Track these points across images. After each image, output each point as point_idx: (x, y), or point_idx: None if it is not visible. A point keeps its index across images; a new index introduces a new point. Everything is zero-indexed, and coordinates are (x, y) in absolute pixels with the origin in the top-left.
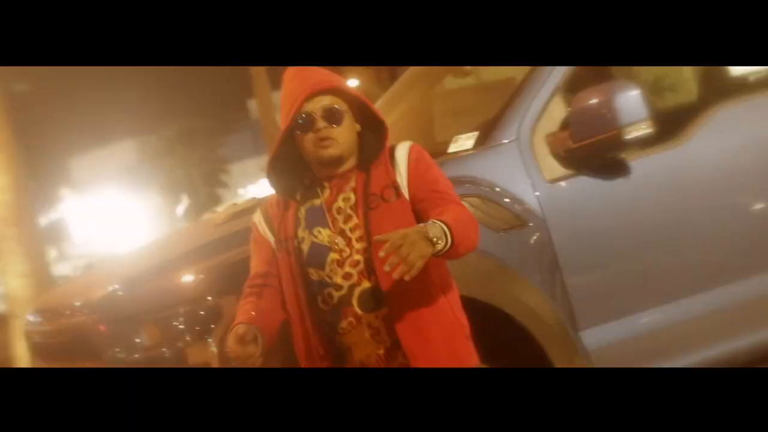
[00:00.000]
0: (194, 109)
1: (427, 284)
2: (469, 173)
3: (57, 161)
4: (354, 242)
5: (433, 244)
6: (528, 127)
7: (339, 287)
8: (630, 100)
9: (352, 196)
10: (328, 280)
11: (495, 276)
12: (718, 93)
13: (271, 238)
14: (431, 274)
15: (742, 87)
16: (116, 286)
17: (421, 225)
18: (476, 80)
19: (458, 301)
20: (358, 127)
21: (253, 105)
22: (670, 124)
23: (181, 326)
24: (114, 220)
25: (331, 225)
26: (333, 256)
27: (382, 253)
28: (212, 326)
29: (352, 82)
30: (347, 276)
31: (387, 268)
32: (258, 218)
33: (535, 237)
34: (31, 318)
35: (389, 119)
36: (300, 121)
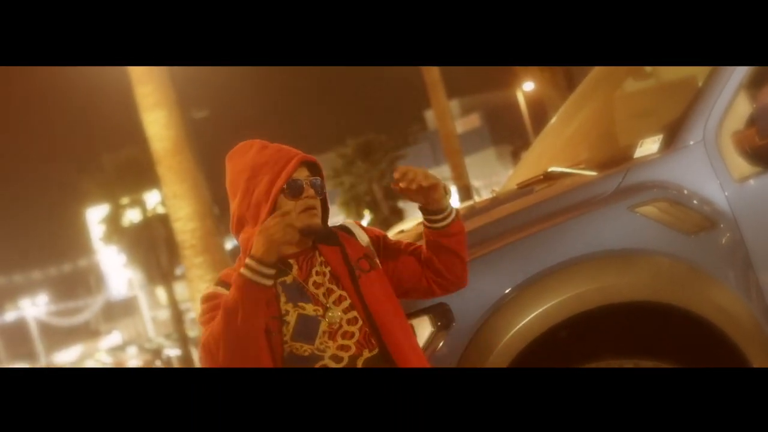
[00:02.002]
0: (372, 124)
1: None
2: (656, 177)
3: None
4: (341, 314)
5: (447, 193)
6: (713, 127)
7: (338, 359)
8: None
9: (326, 270)
10: (318, 353)
11: (688, 280)
12: None
13: None
14: None
15: None
16: None
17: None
18: (657, 81)
19: None
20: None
21: (429, 115)
22: None
23: None
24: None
25: (313, 300)
26: (323, 327)
27: (397, 175)
28: None
29: (528, 85)
30: (344, 348)
31: (397, 175)
32: (221, 291)
33: (726, 237)
34: None
35: (572, 126)
36: (291, 186)
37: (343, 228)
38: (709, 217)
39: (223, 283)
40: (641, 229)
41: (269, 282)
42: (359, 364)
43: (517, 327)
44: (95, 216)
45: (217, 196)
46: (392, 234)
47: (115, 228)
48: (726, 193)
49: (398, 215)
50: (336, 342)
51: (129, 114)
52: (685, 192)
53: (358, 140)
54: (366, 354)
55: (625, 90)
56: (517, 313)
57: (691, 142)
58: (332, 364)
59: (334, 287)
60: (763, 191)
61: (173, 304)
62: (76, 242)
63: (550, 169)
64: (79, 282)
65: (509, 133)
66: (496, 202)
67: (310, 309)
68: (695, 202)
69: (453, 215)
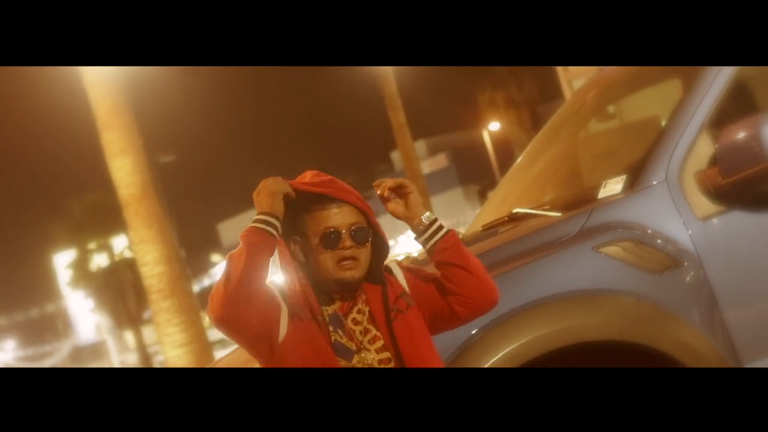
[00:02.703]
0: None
1: None
2: (620, 218)
3: (206, 228)
4: (374, 354)
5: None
6: (676, 167)
7: None
8: None
9: (366, 309)
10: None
11: (653, 319)
12: None
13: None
14: None
15: None
16: None
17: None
18: (620, 122)
19: None
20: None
21: (396, 156)
22: None
23: None
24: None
25: (348, 336)
26: (356, 360)
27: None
28: None
29: (494, 125)
30: None
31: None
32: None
33: (690, 276)
34: None
35: (537, 167)
36: (324, 238)
37: (386, 268)
38: (674, 256)
39: None
40: (606, 269)
41: (276, 233)
42: None
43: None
44: (63, 261)
45: (184, 240)
46: None
47: (82, 273)
48: (690, 232)
49: None
50: None
51: (96, 159)
52: (649, 231)
53: None
54: None
55: (589, 131)
56: (483, 354)
57: (655, 182)
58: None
59: (371, 327)
60: (726, 230)
61: (141, 348)
62: (44, 287)
63: (514, 211)
64: (46, 327)
65: (476, 173)
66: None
67: (346, 341)
68: (659, 241)
69: (441, 231)
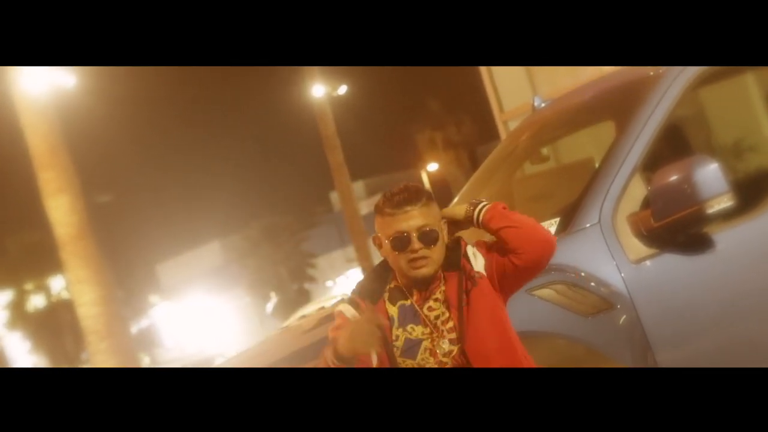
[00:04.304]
0: (276, 207)
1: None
2: (554, 261)
3: (144, 269)
4: (446, 333)
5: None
6: (609, 209)
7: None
8: (709, 174)
9: (442, 296)
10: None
11: (586, 361)
12: None
13: None
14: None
15: None
16: None
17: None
18: (555, 163)
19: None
20: (446, 239)
21: (334, 197)
22: (752, 190)
23: None
24: (204, 322)
25: (423, 323)
26: (425, 345)
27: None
28: None
29: (432, 165)
30: (441, 364)
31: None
32: (346, 308)
33: (623, 318)
34: None
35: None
36: (395, 241)
37: (465, 254)
38: (606, 299)
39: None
40: (539, 311)
41: (342, 364)
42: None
43: None
44: None
45: (122, 281)
46: (294, 319)
47: (19, 313)
48: (622, 275)
49: (305, 296)
50: (437, 359)
51: (32, 199)
52: (582, 274)
53: (263, 222)
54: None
55: (524, 172)
56: None
57: (588, 225)
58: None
59: (446, 312)
60: (658, 272)
61: None
62: None
63: None
64: None
65: None
66: None
67: (418, 332)
68: (592, 284)
69: (484, 207)
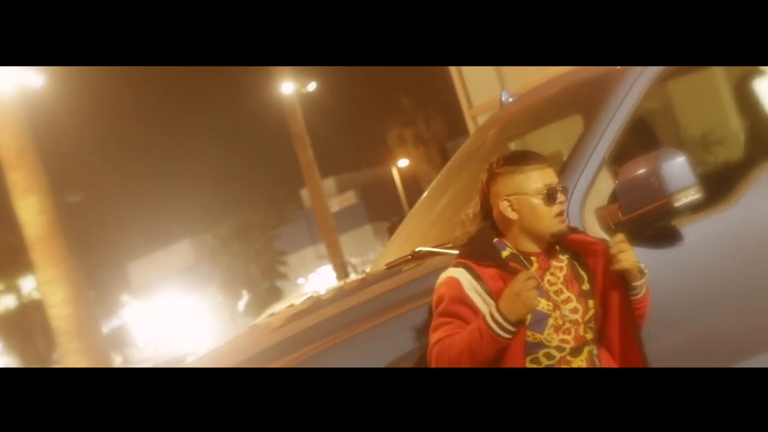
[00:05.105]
0: (247, 204)
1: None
2: None
3: (115, 268)
4: (569, 313)
5: (642, 274)
6: (577, 203)
7: (561, 349)
8: (676, 167)
9: (559, 273)
10: (546, 343)
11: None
12: (765, 148)
13: (476, 297)
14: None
15: None
16: None
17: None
18: None
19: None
20: None
21: (305, 194)
22: (720, 183)
23: None
24: (176, 321)
25: (545, 296)
26: (551, 322)
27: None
28: None
29: (403, 161)
30: (565, 341)
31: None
32: (459, 273)
33: None
34: None
35: (443, 201)
36: (549, 193)
37: (574, 230)
38: None
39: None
40: None
41: (509, 337)
42: (576, 354)
43: None
44: None
45: (93, 281)
46: (263, 318)
47: None
48: None
49: (276, 294)
50: (559, 335)
51: (1, 199)
52: None
53: (234, 220)
54: (584, 347)
55: None
56: None
57: None
58: (555, 353)
59: (564, 288)
60: None
61: None
62: None
63: (417, 249)
64: None
65: (385, 210)
66: (365, 283)
67: (543, 304)
68: None
69: (642, 292)
